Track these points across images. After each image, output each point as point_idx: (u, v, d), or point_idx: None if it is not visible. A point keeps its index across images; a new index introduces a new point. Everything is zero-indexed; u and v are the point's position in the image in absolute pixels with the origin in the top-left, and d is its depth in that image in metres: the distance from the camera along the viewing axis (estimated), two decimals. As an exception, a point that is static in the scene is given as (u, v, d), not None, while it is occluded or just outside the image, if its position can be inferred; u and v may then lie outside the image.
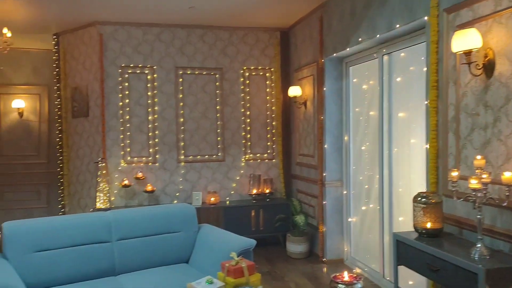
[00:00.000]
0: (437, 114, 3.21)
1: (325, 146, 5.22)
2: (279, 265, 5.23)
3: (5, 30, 4.99)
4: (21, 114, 7.37)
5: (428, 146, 3.27)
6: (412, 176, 3.94)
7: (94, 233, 3.55)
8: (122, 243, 3.63)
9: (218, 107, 6.29)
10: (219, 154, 6.30)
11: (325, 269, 5.08)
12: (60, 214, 6.51)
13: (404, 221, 4.04)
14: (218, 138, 6.29)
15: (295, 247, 5.49)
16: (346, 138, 5.20)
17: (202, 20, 5.93)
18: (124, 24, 5.90)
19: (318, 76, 5.35)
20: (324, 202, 5.25)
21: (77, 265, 3.40)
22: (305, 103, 5.81)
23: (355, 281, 4.18)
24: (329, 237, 5.25)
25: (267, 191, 6.20)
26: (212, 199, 6.01)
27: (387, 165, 4.29)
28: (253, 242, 3.56)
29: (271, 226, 5.90)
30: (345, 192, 5.22)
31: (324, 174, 5.24)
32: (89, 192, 6.11)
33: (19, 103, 7.30)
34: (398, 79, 4.19)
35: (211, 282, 2.61)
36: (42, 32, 6.41)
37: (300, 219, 5.39)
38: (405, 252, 2.85)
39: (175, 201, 6.11)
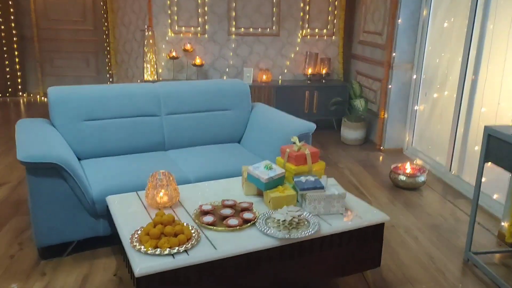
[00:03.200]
0: None
1: (399, 21, 4.52)
2: (332, 151, 4.97)
3: None
4: (63, -26, 6.87)
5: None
6: (509, 58, 3.31)
7: (143, 105, 3.32)
8: (171, 118, 3.40)
9: (275, -28, 5.52)
10: (274, 28, 5.71)
11: (381, 157, 4.77)
12: (109, 84, 6.38)
13: (487, 113, 3.53)
14: (273, 9, 5.64)
15: (351, 133, 5.15)
16: (424, 12, 4.45)
17: None
18: None
19: None
20: (389, 87, 4.73)
21: (126, 137, 3.23)
22: (378, -30, 4.96)
23: (418, 174, 3.89)
24: (389, 125, 4.84)
25: (324, 71, 5.70)
26: (264, 77, 5.61)
27: (476, 45, 3.64)
28: (312, 126, 3.22)
29: (326, 109, 5.52)
30: (414, 76, 4.65)
31: (393, 55, 4.63)
32: (136, 62, 5.83)
33: (60, -39, 6.76)
34: None
35: (270, 168, 2.33)
36: None
37: (359, 103, 4.95)
38: (497, 149, 2.42)
39: (225, 77, 5.76)
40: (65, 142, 3.01)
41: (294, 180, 2.30)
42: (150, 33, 5.33)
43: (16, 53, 6.97)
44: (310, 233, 2.03)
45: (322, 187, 2.24)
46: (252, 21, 5.65)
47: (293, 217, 2.06)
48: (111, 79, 6.34)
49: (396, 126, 4.84)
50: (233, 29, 5.64)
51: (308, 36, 5.79)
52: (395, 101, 4.76)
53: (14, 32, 6.88)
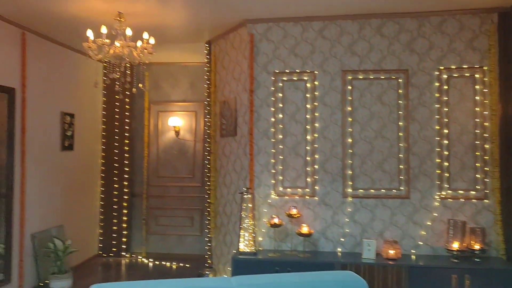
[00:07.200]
0: None
1: None
2: None
3: (145, 35, 4.26)
4: (177, 132, 6.86)
5: None
6: None
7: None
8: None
9: (400, 123, 4.56)
10: (401, 188, 4.53)
11: None
12: (207, 248, 5.62)
13: None
14: (400, 166, 4.54)
15: None
16: None
17: (380, 5, 4.34)
18: (279, 20, 4.70)
19: None
20: None
21: None
22: (546, 115, 3.67)
23: None
24: None
25: (477, 246, 4.17)
26: (391, 251, 4.27)
27: None
28: None
29: (485, 304, 3.85)
30: None
31: None
32: (235, 228, 5.01)
33: (175, 121, 6.81)
34: None
35: None
36: (195, 40, 5.71)
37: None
38: None
39: (339, 249, 4.56)
40: None
41: None
42: (250, 196, 4.55)
43: (125, 211, 6.79)
44: None
45: None
46: (374, 180, 4.58)
47: None
48: (209, 244, 5.58)
49: None
50: (350, 190, 4.60)
51: (450, 199, 4.45)
52: None
53: (126, 190, 6.79)
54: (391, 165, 4.56)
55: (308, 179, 4.66)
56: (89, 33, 4.03)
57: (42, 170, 5.31)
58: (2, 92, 4.64)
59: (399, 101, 4.57)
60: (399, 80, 4.57)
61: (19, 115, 4.86)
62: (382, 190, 4.56)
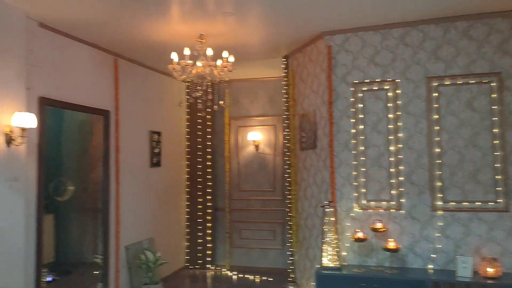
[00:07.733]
0: None
1: None
2: None
3: (225, 54, 4.41)
4: (257, 147, 6.98)
5: None
6: None
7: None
8: None
9: (495, 130, 4.22)
10: (499, 200, 4.18)
11: None
12: (289, 262, 5.59)
13: None
14: (497, 177, 4.19)
15: None
16: None
17: (467, 7, 4.10)
18: (357, 30, 4.62)
19: None
20: None
21: None
22: None
23: None
24: None
25: None
26: (490, 269, 3.94)
27: None
28: None
29: None
30: None
31: None
32: (317, 242, 4.94)
33: (254, 135, 6.94)
34: None
35: None
36: (272, 56, 5.80)
37: None
38: None
39: (430, 266, 4.29)
40: None
41: None
42: (332, 209, 4.47)
43: (209, 224, 7.00)
44: None
45: None
46: (466, 192, 4.27)
47: None
48: (291, 258, 5.55)
49: None
50: (439, 202, 4.33)
51: (557, 212, 4.02)
52: None
53: (209, 204, 7.02)
54: (485, 176, 4.22)
55: (393, 192, 4.47)
56: (174, 56, 4.26)
57: (133, 186, 5.67)
58: (99, 115, 5.07)
59: (493, 107, 4.24)
60: (492, 84, 4.25)
61: (113, 135, 5.26)
62: (477, 203, 4.24)
